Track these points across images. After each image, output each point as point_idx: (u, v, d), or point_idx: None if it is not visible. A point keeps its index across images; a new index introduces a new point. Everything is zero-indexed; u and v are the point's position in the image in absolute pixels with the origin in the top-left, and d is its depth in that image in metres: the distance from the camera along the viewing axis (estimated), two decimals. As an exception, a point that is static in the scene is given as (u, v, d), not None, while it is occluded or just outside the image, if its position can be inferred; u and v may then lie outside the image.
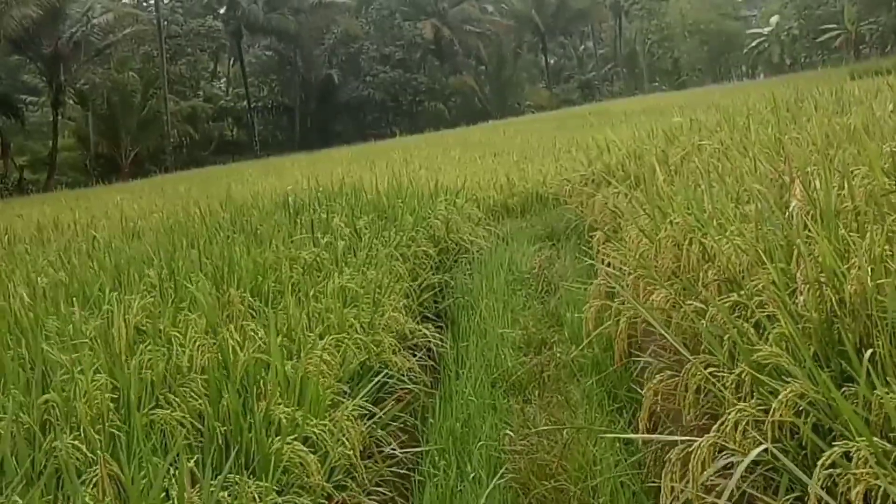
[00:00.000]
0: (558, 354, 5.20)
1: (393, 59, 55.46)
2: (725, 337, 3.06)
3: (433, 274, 7.06)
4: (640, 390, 3.62)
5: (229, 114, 52.54)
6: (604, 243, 5.93)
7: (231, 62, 57.56)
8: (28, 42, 37.42)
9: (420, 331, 5.47)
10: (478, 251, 8.58)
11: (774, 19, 64.86)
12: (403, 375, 4.58)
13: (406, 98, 55.29)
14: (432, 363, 5.57)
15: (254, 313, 4.51)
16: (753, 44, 64.52)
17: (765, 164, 4.95)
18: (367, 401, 3.78)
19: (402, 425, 4.35)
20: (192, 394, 3.17)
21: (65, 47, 37.67)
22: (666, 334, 3.35)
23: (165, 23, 44.28)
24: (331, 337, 4.04)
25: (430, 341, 5.46)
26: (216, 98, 51.94)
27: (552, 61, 69.37)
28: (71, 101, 40.14)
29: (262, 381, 3.37)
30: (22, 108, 39.51)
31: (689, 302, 3.52)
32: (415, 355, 5.22)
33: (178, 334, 3.52)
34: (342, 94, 53.56)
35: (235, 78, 56.69)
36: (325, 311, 4.68)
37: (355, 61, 54.76)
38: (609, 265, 5.07)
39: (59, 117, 38.92)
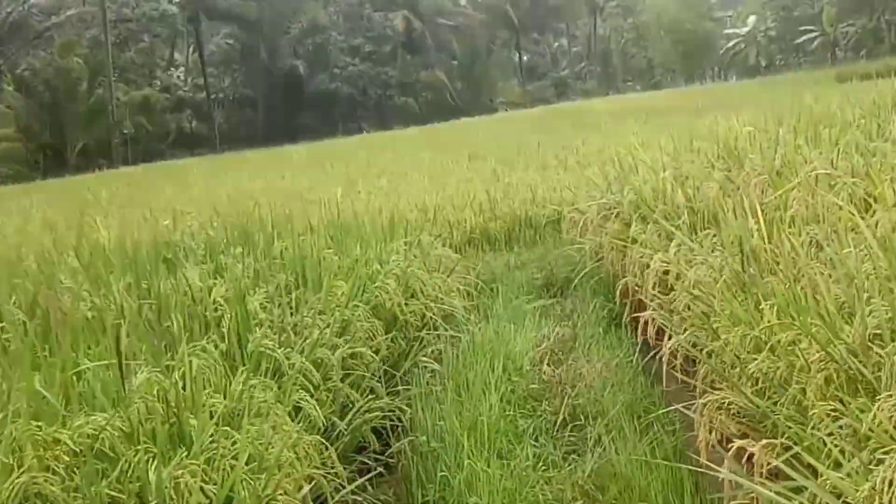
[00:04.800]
0: None
1: (362, 51, 53.01)
2: None
3: (378, 379, 4.30)
4: None
5: (188, 105, 49.63)
6: (708, 377, 3.51)
7: (190, 50, 54.47)
8: (-40, 23, 34.46)
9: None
10: (448, 318, 5.70)
11: (751, 20, 63.46)
12: None
13: (375, 92, 52.87)
14: None
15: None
16: (730, 44, 63.06)
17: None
18: None
19: None
20: None
21: (0, 29, 34.67)
22: None
23: (114, 5, 41.18)
24: None
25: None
26: (174, 88, 49.03)
27: (525, 58, 67.40)
28: (10, 88, 37.07)
29: None
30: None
31: None
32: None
33: None
34: (309, 86, 50.90)
35: (195, 67, 53.68)
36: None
37: (322, 53, 52.08)
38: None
39: (-3, 105, 35.95)
